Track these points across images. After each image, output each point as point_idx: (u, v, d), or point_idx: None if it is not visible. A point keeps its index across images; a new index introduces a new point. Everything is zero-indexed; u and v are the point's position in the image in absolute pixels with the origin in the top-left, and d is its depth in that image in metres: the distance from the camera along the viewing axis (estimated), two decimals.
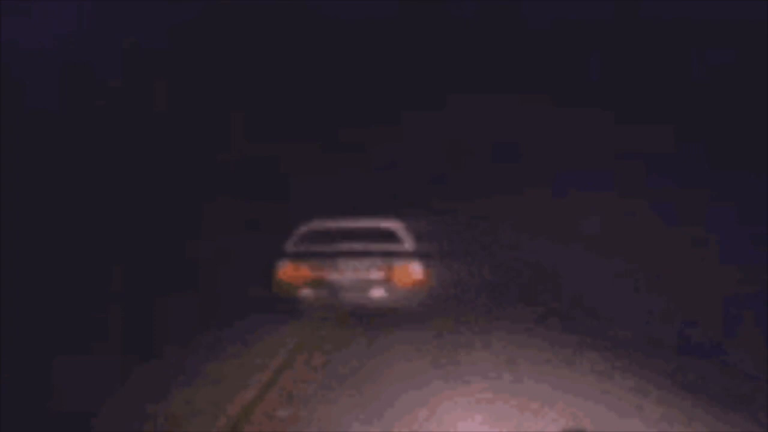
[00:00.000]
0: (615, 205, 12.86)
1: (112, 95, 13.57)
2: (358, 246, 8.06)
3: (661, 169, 13.24)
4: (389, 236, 8.30)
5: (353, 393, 5.36)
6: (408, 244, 8.22)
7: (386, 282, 7.78)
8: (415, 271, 7.86)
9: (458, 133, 15.59)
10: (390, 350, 6.80)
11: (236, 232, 11.94)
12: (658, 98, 14.82)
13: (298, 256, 8.05)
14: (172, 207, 12.24)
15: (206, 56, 15.14)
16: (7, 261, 8.77)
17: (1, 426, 4.52)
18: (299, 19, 16.49)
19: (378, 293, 7.76)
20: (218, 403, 5.01)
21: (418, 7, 16.97)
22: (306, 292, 7.83)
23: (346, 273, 7.83)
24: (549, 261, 11.34)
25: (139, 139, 13.15)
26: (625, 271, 10.50)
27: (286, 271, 7.95)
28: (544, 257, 11.54)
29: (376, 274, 7.80)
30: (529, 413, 4.83)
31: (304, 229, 8.52)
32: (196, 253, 10.93)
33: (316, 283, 7.83)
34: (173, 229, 11.62)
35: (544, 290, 10.13)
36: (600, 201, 12.85)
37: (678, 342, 7.20)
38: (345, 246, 8.07)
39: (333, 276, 7.83)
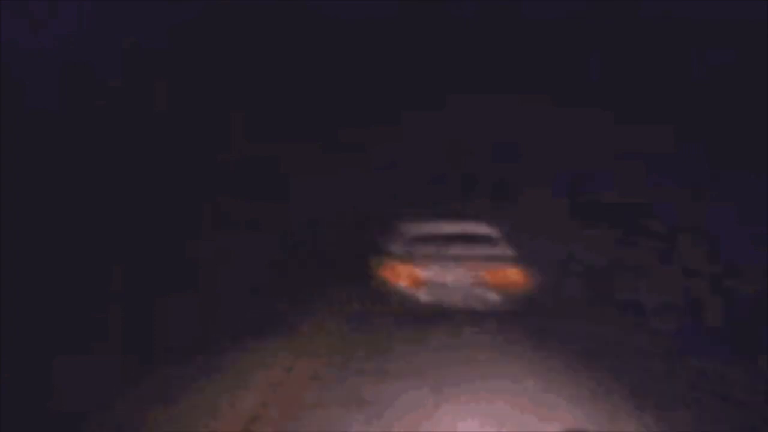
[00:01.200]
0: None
1: (112, 95, 13.56)
2: (464, 250, 8.32)
3: (661, 169, 13.24)
4: (488, 240, 8.61)
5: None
6: (506, 248, 8.46)
7: (495, 285, 7.98)
8: (518, 274, 8.07)
9: (458, 133, 15.58)
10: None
11: (236, 232, 11.95)
12: (658, 98, 14.81)
13: (404, 256, 8.25)
14: (172, 207, 12.23)
15: (206, 56, 15.12)
16: (7, 261, 8.76)
17: (1, 426, 4.52)
18: (299, 19, 16.48)
19: (488, 296, 7.96)
20: (218, 403, 5.01)
21: (418, 7, 16.96)
22: (422, 294, 8.01)
23: (457, 275, 8.00)
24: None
25: (139, 139, 13.14)
26: (624, 270, 10.52)
27: (394, 269, 8.11)
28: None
29: (486, 278, 7.99)
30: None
31: (405, 231, 8.72)
32: (196, 253, 10.93)
33: (432, 285, 8.01)
34: (173, 229, 11.62)
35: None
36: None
37: (677, 342, 7.21)
38: (452, 250, 8.30)
39: (444, 278, 8.01)
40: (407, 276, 8.09)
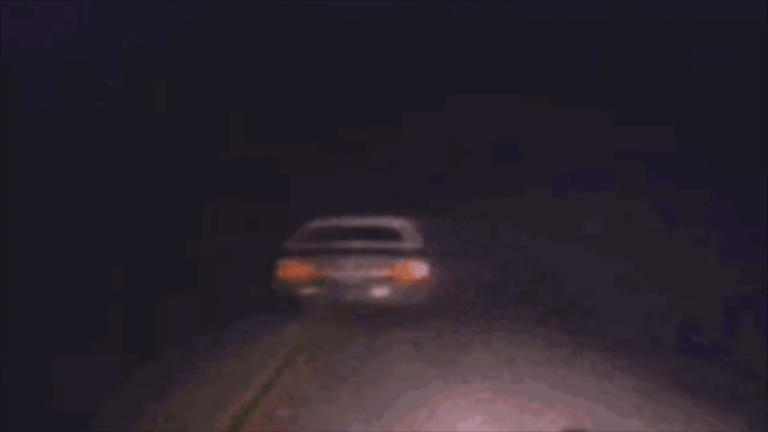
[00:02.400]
0: (615, 205, 12.87)
1: (112, 95, 13.56)
2: (360, 244, 8.02)
3: (661, 169, 13.24)
4: (392, 234, 8.28)
5: (353, 393, 5.36)
6: (411, 242, 8.18)
7: (388, 280, 7.73)
8: (417, 269, 7.82)
9: (458, 133, 15.58)
10: (390, 350, 6.79)
11: (236, 232, 11.94)
12: (658, 98, 14.81)
13: (299, 254, 8.02)
14: (172, 207, 12.23)
15: (206, 56, 15.12)
16: (7, 261, 8.76)
17: (1, 426, 4.52)
18: (299, 19, 16.48)
19: (380, 292, 7.72)
20: (218, 403, 5.01)
21: (418, 7, 16.96)
22: (307, 291, 7.79)
23: (348, 271, 7.78)
24: (549, 261, 11.35)
25: (139, 139, 13.14)
26: (625, 271, 10.50)
27: (288, 269, 7.91)
28: (544, 257, 11.55)
29: (379, 273, 7.75)
30: (530, 413, 4.83)
31: (306, 226, 8.50)
32: (196, 253, 10.92)
33: (318, 282, 7.79)
34: (173, 229, 11.61)
35: (544, 290, 10.13)
36: (600, 201, 12.87)
37: (678, 342, 7.20)
38: (347, 244, 8.04)
39: (335, 274, 7.77)
40: (299, 273, 7.80)
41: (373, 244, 8.03)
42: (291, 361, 6.35)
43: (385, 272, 7.75)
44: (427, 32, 16.60)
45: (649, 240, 11.54)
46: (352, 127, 15.17)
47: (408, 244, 8.15)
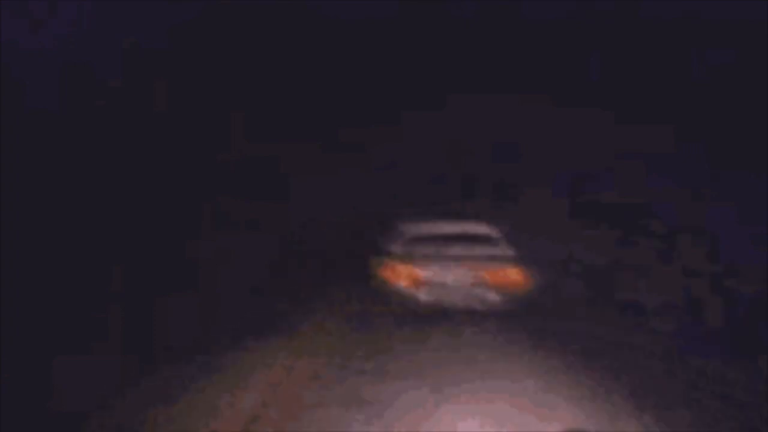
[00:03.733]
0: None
1: (112, 95, 13.56)
2: (464, 250, 8.32)
3: (661, 169, 13.24)
4: (488, 240, 8.60)
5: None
6: (506, 248, 8.45)
7: (495, 285, 7.98)
8: (518, 274, 8.06)
9: (458, 133, 15.58)
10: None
11: (236, 232, 11.94)
12: (658, 98, 14.81)
13: (405, 257, 8.25)
14: (172, 207, 12.24)
15: (206, 56, 15.12)
16: (7, 261, 8.76)
17: (1, 426, 4.52)
18: (299, 19, 16.48)
19: (488, 296, 7.95)
20: (218, 404, 5.01)
21: (418, 7, 16.96)
22: (422, 294, 8.01)
23: (456, 275, 7.99)
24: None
25: (139, 139, 13.14)
26: (624, 269, 10.52)
27: (394, 269, 8.11)
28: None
29: (486, 278, 7.98)
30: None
31: (403, 230, 8.74)
32: (196, 253, 10.92)
33: (426, 285, 8.01)
34: (173, 229, 11.62)
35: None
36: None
37: (677, 342, 7.21)
38: (452, 250, 8.30)
39: (444, 278, 8.00)
40: (407, 276, 8.09)
41: (476, 250, 8.35)
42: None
43: (490, 277, 7.99)
44: (427, 32, 16.60)
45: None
46: (352, 127, 15.17)
47: (504, 250, 8.41)
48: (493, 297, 7.97)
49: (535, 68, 15.98)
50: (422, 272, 8.06)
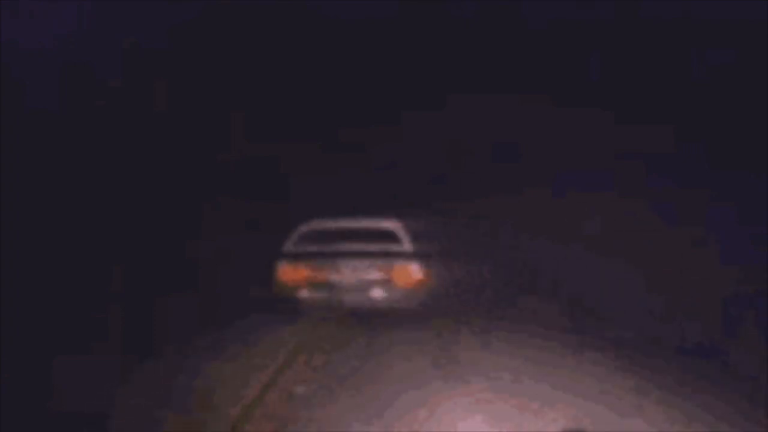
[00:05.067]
0: (615, 205, 12.87)
1: (112, 95, 13.56)
2: (357, 246, 8.05)
3: (661, 169, 13.23)
4: (388, 236, 8.29)
5: (353, 393, 5.36)
6: (407, 244, 8.20)
7: (386, 282, 7.77)
8: (414, 271, 7.86)
9: (458, 133, 15.57)
10: (389, 350, 6.80)
11: (236, 232, 11.93)
12: (658, 98, 14.81)
13: (297, 257, 8.06)
14: (172, 207, 12.23)
15: (206, 56, 15.12)
16: (7, 261, 8.76)
17: (1, 426, 4.52)
18: (299, 19, 16.48)
19: (378, 294, 7.76)
20: (218, 404, 5.01)
21: (418, 7, 16.96)
22: (305, 293, 7.83)
23: (346, 274, 7.82)
24: (549, 261, 11.34)
25: (139, 139, 13.14)
26: (625, 271, 10.50)
27: (285, 271, 7.96)
28: (544, 257, 11.54)
29: (376, 275, 7.79)
30: (529, 413, 4.83)
31: (302, 229, 8.51)
32: (196, 253, 10.92)
33: (316, 284, 7.84)
34: (173, 229, 11.61)
35: (544, 290, 10.13)
36: (600, 201, 12.87)
37: (678, 342, 7.21)
38: (344, 246, 8.06)
39: (333, 277, 7.82)
40: (295, 275, 7.85)
41: (370, 247, 8.07)
42: (290, 361, 6.35)
43: (382, 275, 7.80)
44: (427, 32, 16.60)
45: (649, 239, 11.54)
46: (352, 127, 15.16)
47: (405, 246, 8.17)
48: (380, 295, 7.73)
49: (535, 68, 15.98)
50: (311, 271, 7.83)
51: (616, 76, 15.85)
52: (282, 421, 4.79)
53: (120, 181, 12.05)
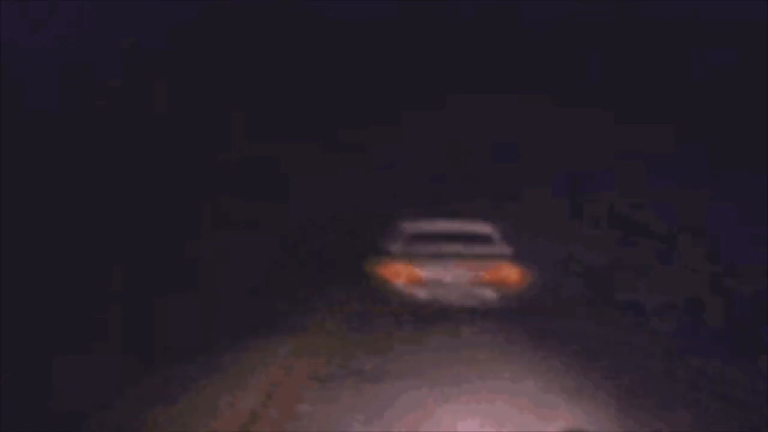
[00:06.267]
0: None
1: (112, 95, 13.56)
2: (463, 249, 8.38)
3: (661, 169, 13.24)
4: (486, 239, 8.66)
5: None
6: (505, 247, 8.50)
7: (494, 283, 8.04)
8: (517, 272, 8.12)
9: (458, 133, 15.58)
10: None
11: (236, 232, 11.94)
12: (658, 98, 14.82)
13: (403, 256, 8.30)
14: (172, 207, 12.23)
15: (206, 56, 15.12)
16: (8, 261, 8.76)
17: (1, 426, 4.52)
18: (299, 19, 16.48)
19: (488, 294, 8.02)
20: (218, 404, 5.01)
21: (418, 7, 16.96)
22: (419, 293, 8.09)
23: (458, 275, 8.05)
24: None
25: (139, 139, 13.14)
26: (625, 270, 10.52)
27: (396, 271, 8.18)
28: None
29: (485, 276, 8.05)
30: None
31: (404, 231, 8.75)
32: (196, 253, 10.92)
33: (429, 284, 8.09)
34: (173, 229, 11.61)
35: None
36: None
37: (677, 342, 7.21)
38: (450, 248, 8.36)
39: (445, 277, 8.07)
40: (406, 275, 8.11)
41: (476, 249, 8.42)
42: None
43: (490, 276, 8.06)
44: (427, 32, 16.60)
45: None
46: (352, 127, 15.17)
47: (504, 249, 8.46)
48: (491, 295, 8.01)
49: (535, 68, 15.98)
50: (421, 271, 8.09)
51: (616, 76, 15.85)
52: (282, 420, 4.79)
53: (120, 181, 12.05)
